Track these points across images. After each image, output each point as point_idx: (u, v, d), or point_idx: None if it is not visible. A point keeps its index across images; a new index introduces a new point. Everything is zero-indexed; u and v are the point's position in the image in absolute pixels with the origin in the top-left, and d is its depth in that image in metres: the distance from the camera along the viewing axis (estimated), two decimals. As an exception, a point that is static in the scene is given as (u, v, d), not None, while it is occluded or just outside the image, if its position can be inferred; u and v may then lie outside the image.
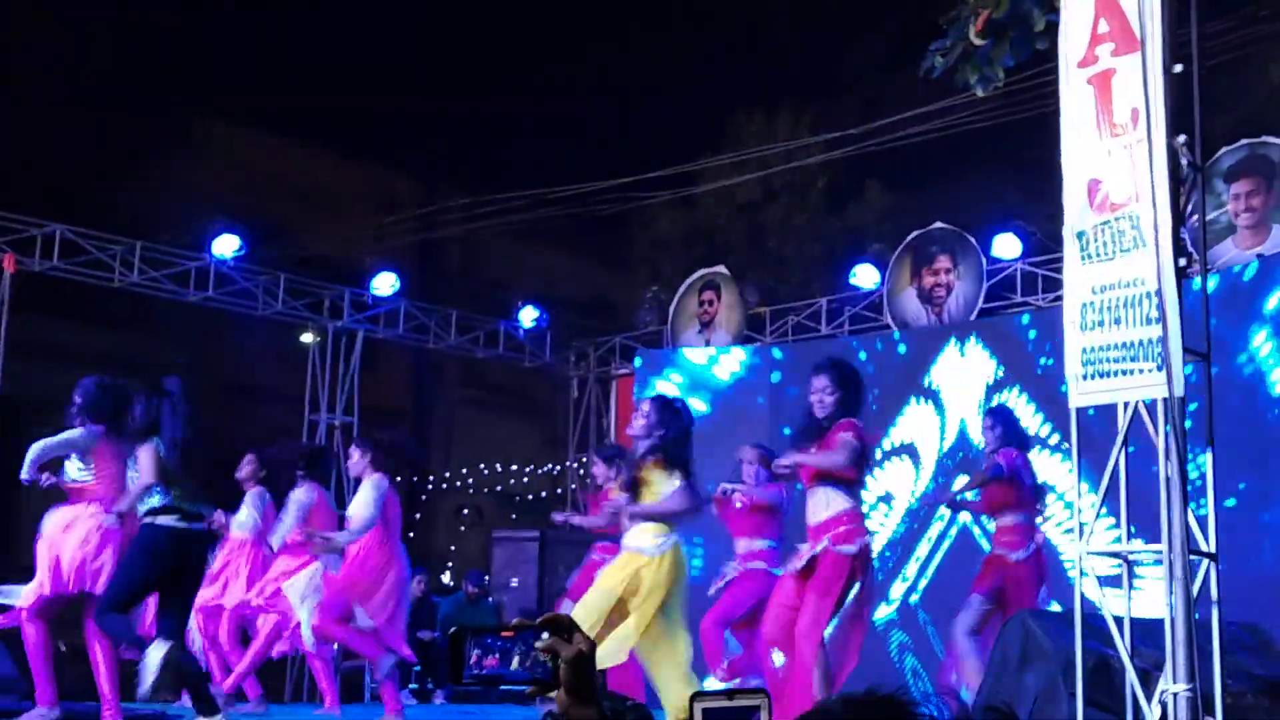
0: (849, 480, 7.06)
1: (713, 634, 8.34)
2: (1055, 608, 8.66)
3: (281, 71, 19.30)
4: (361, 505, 8.26)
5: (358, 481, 8.63)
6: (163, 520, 7.00)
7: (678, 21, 19.69)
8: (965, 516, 10.20)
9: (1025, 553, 8.07)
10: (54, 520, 7.38)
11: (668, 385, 12.47)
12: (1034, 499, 8.42)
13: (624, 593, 6.94)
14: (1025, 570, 8.11)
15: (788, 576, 7.26)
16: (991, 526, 8.64)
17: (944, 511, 10.94)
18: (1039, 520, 8.58)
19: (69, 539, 7.26)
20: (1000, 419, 8.63)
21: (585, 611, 7.01)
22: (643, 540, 6.99)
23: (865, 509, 7.48)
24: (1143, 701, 5.30)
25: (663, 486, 6.96)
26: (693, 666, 7.13)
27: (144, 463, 7.00)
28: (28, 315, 11.88)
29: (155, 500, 7.03)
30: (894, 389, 11.77)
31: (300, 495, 8.82)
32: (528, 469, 19.88)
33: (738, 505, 8.48)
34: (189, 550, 7.23)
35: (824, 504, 7.04)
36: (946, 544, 11.12)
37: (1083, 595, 5.71)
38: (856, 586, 7.05)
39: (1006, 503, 8.23)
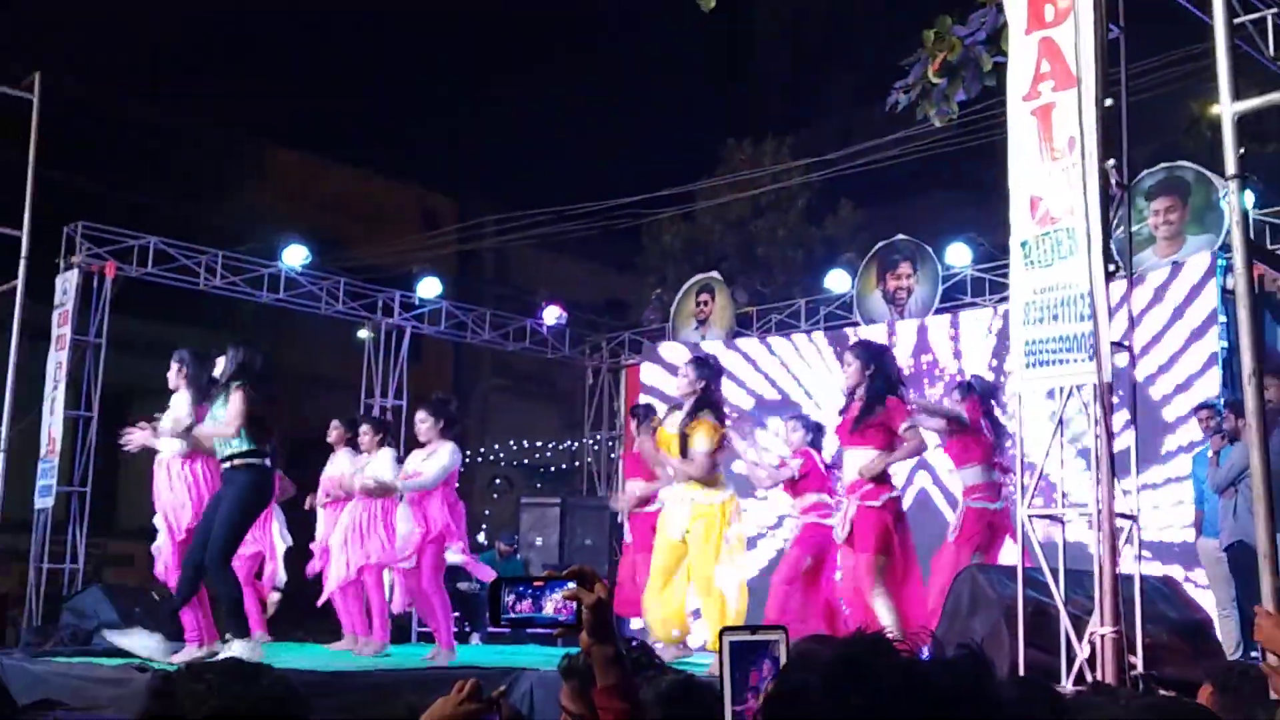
0: (882, 445, 6.87)
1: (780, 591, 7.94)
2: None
3: (341, 108, 19.35)
4: (435, 467, 7.97)
5: (420, 444, 8.23)
6: (254, 461, 6.89)
7: (680, 64, 19.70)
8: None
9: (1000, 504, 7.57)
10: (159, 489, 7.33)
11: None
12: (995, 452, 7.83)
13: (686, 539, 7.03)
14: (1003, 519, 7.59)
15: (840, 545, 7.16)
16: (958, 486, 8.15)
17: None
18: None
19: (180, 496, 7.21)
20: (971, 389, 8.10)
21: (659, 561, 7.12)
22: (696, 492, 7.05)
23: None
24: (1075, 642, 5.30)
25: (698, 446, 7.01)
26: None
27: (234, 405, 6.79)
28: (126, 315, 11.91)
29: (245, 445, 6.85)
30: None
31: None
32: (550, 445, 19.88)
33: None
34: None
35: (853, 466, 6.91)
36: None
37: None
38: (894, 538, 6.88)
39: (970, 457, 7.79)
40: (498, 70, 20.43)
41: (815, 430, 8.35)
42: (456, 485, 8.48)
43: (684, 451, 7.13)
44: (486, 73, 20.57)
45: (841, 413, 7.16)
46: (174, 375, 7.41)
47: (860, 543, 6.86)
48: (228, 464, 6.90)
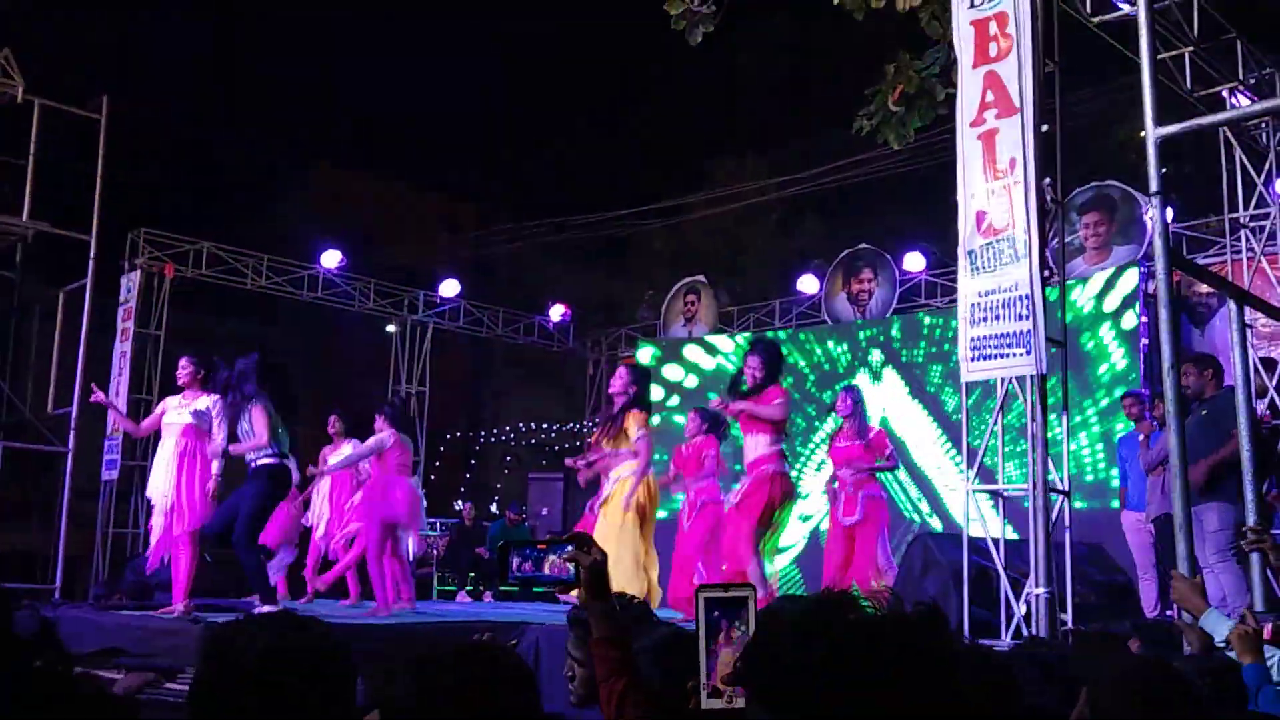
0: (775, 431, 6.81)
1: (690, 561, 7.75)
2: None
3: (375, 129, 19.33)
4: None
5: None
6: (273, 461, 6.80)
7: (672, 91, 19.66)
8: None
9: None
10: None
11: (644, 356, 12.58)
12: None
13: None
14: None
15: (731, 509, 6.98)
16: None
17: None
18: None
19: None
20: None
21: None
22: (623, 470, 7.02)
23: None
24: (1013, 602, 5.31)
25: (634, 434, 7.00)
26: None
27: (262, 420, 6.70)
28: (182, 310, 11.88)
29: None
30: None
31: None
32: (555, 426, 19.86)
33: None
34: None
35: (754, 448, 6.82)
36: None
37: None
38: (782, 511, 6.78)
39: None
40: (513, 99, 20.42)
41: (714, 420, 7.96)
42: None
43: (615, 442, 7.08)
44: (502, 101, 20.55)
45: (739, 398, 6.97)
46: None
47: (749, 510, 6.71)
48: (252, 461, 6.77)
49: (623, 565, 6.72)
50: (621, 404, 7.10)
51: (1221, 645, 3.21)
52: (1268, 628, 3.09)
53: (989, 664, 2.08)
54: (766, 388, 6.85)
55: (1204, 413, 6.23)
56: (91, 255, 10.18)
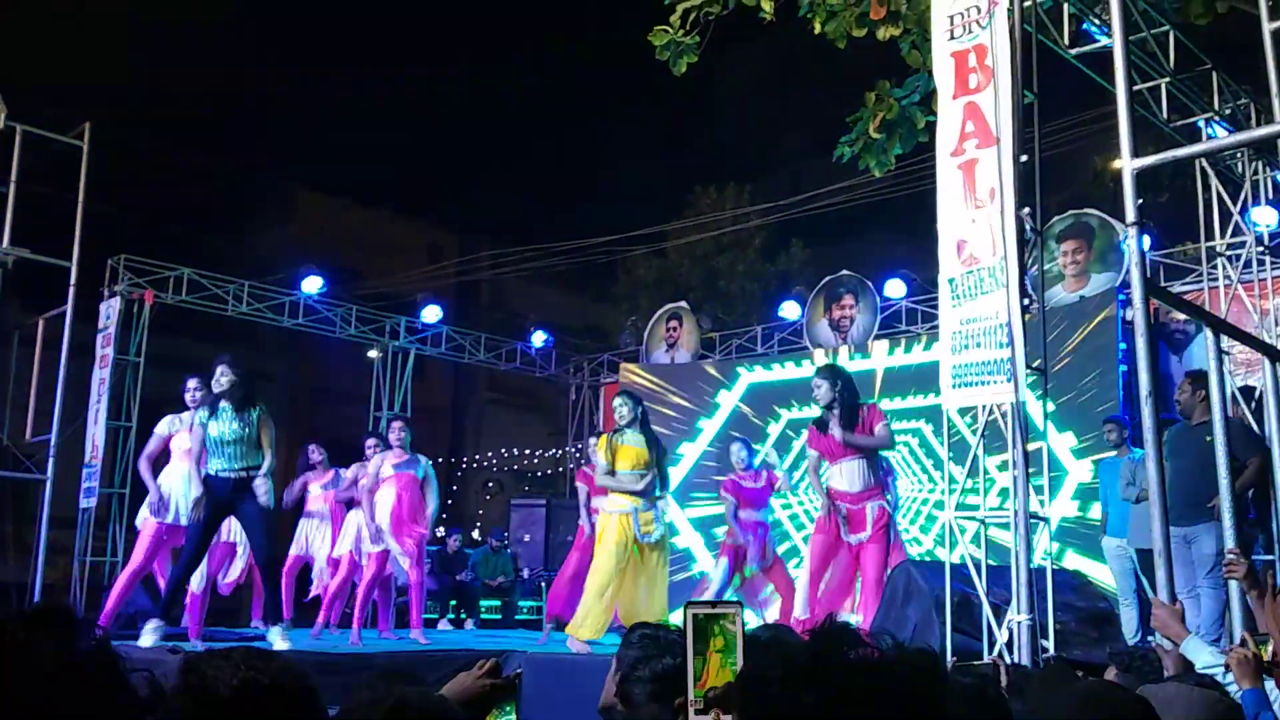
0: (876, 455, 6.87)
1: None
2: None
3: (354, 154, 19.35)
4: None
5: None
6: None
7: (654, 121, 19.79)
8: None
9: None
10: None
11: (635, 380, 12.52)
12: None
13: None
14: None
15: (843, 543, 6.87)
16: None
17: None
18: None
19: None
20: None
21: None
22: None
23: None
24: (995, 628, 5.32)
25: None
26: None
27: (272, 430, 6.86)
28: (163, 336, 11.81)
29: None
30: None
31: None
32: (537, 452, 19.83)
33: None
34: None
35: (854, 475, 6.79)
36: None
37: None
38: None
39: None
40: (497, 126, 20.51)
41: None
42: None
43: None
44: (487, 128, 20.63)
45: (821, 429, 7.00)
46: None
47: (882, 538, 6.78)
48: (250, 472, 6.79)
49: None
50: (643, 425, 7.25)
51: (1214, 670, 3.22)
52: (1269, 649, 3.09)
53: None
54: (858, 406, 6.84)
55: (1208, 439, 6.28)
56: (72, 282, 10.14)
